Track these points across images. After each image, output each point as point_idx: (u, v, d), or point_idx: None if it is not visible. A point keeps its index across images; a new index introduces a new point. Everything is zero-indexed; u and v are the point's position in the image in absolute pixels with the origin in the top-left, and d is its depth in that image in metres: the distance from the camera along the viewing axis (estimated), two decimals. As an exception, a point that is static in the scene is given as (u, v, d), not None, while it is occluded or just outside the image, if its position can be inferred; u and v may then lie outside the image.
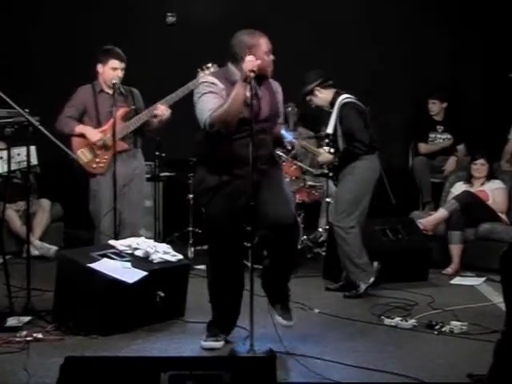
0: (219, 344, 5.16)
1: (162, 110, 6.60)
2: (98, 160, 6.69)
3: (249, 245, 5.14)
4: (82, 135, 6.69)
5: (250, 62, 4.85)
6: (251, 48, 5.01)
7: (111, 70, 6.65)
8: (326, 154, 6.79)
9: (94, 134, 6.67)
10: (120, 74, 6.66)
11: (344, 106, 6.68)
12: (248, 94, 4.83)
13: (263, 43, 5.04)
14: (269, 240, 5.13)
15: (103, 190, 6.64)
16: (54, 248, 8.21)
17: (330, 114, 6.81)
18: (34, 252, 7.75)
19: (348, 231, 6.60)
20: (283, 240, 5.13)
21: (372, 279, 6.61)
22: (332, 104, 6.78)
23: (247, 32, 5.08)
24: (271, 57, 5.04)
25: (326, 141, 6.82)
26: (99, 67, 6.69)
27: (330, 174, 7.20)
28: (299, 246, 7.76)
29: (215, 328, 5.21)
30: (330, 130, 6.77)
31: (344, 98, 6.73)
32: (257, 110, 4.98)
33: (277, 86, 5.26)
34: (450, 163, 9.11)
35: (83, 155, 6.69)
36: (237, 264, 5.19)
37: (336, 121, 6.70)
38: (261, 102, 5.04)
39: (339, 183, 6.77)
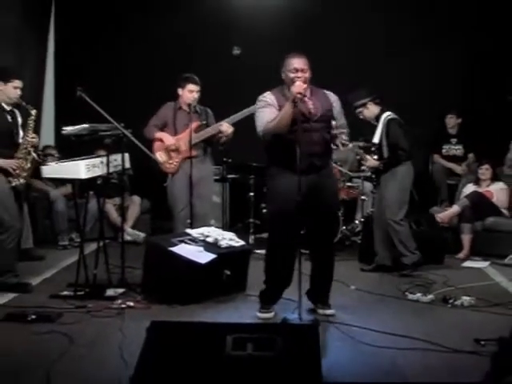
0: (271, 315, 5.16)
1: (226, 126, 6.65)
2: (170, 161, 6.76)
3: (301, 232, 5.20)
4: (161, 140, 6.79)
5: (298, 86, 4.84)
6: (284, 68, 5.00)
7: (188, 93, 6.68)
8: (372, 160, 6.78)
9: (169, 139, 6.75)
10: (195, 95, 6.70)
11: (390, 121, 6.66)
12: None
13: (291, 63, 4.96)
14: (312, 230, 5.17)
15: (177, 187, 6.70)
16: (142, 235, 8.30)
17: (374, 126, 6.77)
18: (127, 238, 7.82)
19: (401, 223, 6.61)
20: (325, 227, 5.17)
21: (418, 260, 6.67)
22: (377, 118, 6.75)
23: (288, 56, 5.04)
24: (299, 74, 4.90)
25: (373, 149, 6.81)
26: (179, 91, 6.73)
27: (373, 176, 7.27)
28: (339, 235, 7.76)
29: (267, 299, 5.21)
30: (376, 140, 6.73)
31: (388, 114, 6.71)
32: (307, 111, 4.91)
33: (334, 98, 5.15)
34: (463, 169, 9.01)
35: (160, 157, 6.77)
36: (291, 248, 5.08)
37: (382, 133, 6.67)
38: (311, 105, 4.95)
39: (383, 186, 6.71)
